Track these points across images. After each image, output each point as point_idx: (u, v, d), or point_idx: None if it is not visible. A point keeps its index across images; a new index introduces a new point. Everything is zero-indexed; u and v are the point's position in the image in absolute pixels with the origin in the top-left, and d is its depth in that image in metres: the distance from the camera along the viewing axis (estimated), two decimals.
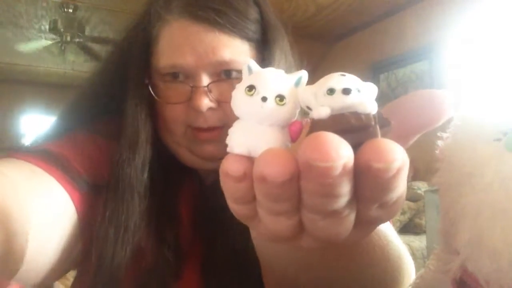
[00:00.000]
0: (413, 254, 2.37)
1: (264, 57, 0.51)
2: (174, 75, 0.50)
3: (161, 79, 0.51)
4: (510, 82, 0.28)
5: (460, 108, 0.29)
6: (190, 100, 0.49)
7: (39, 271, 0.40)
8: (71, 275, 0.57)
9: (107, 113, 0.56)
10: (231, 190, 0.21)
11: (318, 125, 0.19)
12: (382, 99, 0.21)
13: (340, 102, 0.19)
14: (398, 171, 0.18)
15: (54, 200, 0.43)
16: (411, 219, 2.84)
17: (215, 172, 0.21)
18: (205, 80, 0.49)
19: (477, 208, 0.23)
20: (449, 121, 0.28)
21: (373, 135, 0.19)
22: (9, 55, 4.19)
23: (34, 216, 0.37)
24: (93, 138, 0.53)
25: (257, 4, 0.53)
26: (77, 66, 4.19)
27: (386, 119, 0.24)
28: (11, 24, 3.42)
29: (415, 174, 2.93)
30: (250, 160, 0.20)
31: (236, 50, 0.49)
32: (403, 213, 2.79)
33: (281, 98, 0.21)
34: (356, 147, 0.18)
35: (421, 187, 2.87)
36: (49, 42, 3.54)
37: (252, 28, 0.51)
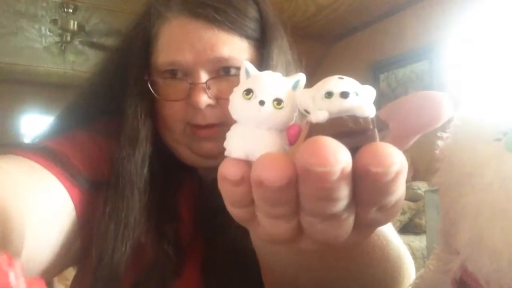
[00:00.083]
0: (413, 254, 2.37)
1: (262, 55, 0.51)
2: (173, 73, 0.50)
3: (160, 77, 0.51)
4: (510, 82, 0.28)
5: (460, 108, 0.29)
6: (188, 97, 0.49)
7: (37, 265, 0.41)
8: (71, 276, 0.57)
9: (107, 113, 0.56)
10: (229, 194, 0.21)
11: (316, 129, 0.19)
12: (382, 99, 0.21)
13: (338, 105, 0.19)
14: (397, 174, 0.18)
15: (53, 196, 0.43)
16: (411, 219, 2.83)
17: (215, 170, 0.21)
18: (203, 77, 0.49)
19: (477, 208, 0.24)
20: (449, 121, 0.28)
21: (372, 139, 0.19)
22: (9, 55, 4.19)
23: (33, 212, 0.37)
24: (92, 137, 0.53)
25: (256, 3, 0.53)
26: (77, 66, 4.18)
27: (384, 122, 0.24)
28: (11, 24, 3.42)
29: (415, 174, 2.93)
30: (248, 164, 0.20)
31: (234, 47, 0.49)
32: (403, 213, 2.78)
33: (278, 101, 0.21)
34: (354, 150, 0.18)
35: (421, 187, 2.86)
36: (49, 42, 3.54)
37: (251, 26, 0.51)
